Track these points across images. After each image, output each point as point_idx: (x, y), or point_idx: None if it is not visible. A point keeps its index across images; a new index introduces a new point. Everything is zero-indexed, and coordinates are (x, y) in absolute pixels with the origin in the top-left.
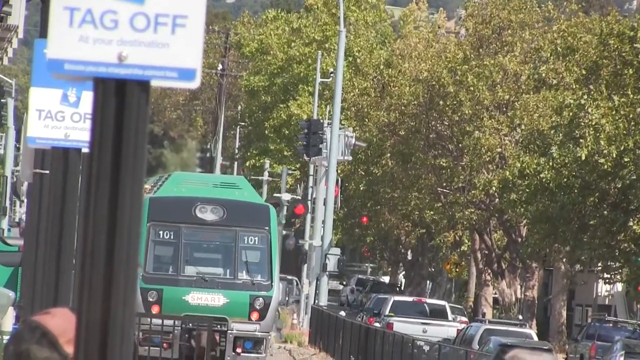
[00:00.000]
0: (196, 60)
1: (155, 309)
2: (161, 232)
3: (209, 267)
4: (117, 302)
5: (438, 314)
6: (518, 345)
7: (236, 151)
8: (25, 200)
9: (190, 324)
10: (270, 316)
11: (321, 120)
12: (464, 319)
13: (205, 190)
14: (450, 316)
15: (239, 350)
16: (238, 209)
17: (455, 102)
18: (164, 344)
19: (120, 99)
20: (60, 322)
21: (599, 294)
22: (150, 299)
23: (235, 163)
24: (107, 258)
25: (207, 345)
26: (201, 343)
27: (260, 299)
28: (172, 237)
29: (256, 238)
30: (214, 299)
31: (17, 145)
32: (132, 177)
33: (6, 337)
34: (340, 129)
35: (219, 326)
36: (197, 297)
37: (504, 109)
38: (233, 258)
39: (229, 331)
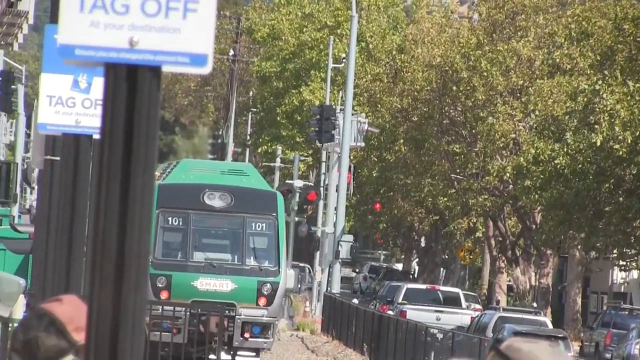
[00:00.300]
0: (208, 45)
1: (164, 295)
2: (170, 219)
3: (217, 253)
4: (128, 290)
5: (452, 301)
6: (530, 333)
7: (248, 137)
8: (36, 187)
9: (199, 310)
10: (278, 302)
11: (333, 107)
12: (478, 306)
13: (214, 177)
14: (464, 304)
15: (246, 335)
16: (246, 195)
17: (468, 88)
18: (174, 329)
19: (131, 85)
20: (69, 309)
21: (615, 282)
22: (160, 285)
23: (247, 149)
24: (119, 245)
25: (219, 330)
26: (210, 328)
27: (268, 284)
28: (180, 224)
29: (263, 224)
30: (222, 285)
31: (28, 132)
32: (144, 163)
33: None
34: (352, 115)
35: (227, 311)
36: (206, 283)
37: (518, 95)
38: (241, 244)
39: (237, 316)
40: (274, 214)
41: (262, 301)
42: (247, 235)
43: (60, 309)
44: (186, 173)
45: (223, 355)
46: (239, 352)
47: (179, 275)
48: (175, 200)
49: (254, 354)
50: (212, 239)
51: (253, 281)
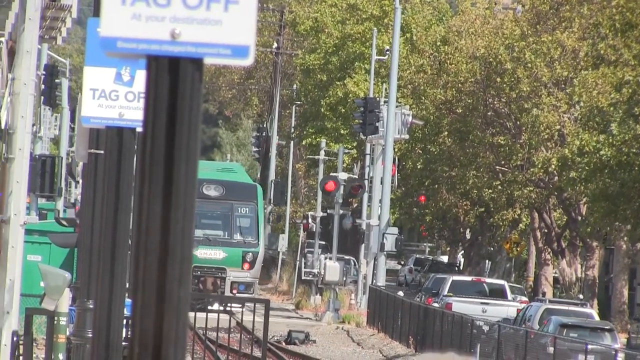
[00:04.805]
0: (249, 37)
1: None
2: None
3: (212, 230)
4: (172, 281)
5: (497, 293)
6: (577, 325)
7: (292, 130)
8: (81, 181)
9: (199, 272)
10: (258, 266)
11: (377, 99)
12: (524, 298)
13: (210, 174)
14: (509, 296)
15: (234, 291)
16: (234, 187)
17: (512, 79)
18: None
19: (173, 77)
20: None
21: None
22: None
23: (291, 142)
24: (162, 237)
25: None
26: (207, 286)
27: (250, 253)
28: None
29: (247, 209)
30: (216, 254)
31: (72, 126)
32: (186, 155)
33: (63, 319)
34: (396, 107)
35: (219, 274)
36: (204, 253)
37: (563, 86)
38: (230, 223)
39: (227, 277)
40: (255, 201)
41: (246, 266)
42: (235, 217)
43: None
44: None
45: (216, 306)
46: (228, 304)
47: None
48: None
49: (240, 305)
50: (209, 220)
51: (239, 251)
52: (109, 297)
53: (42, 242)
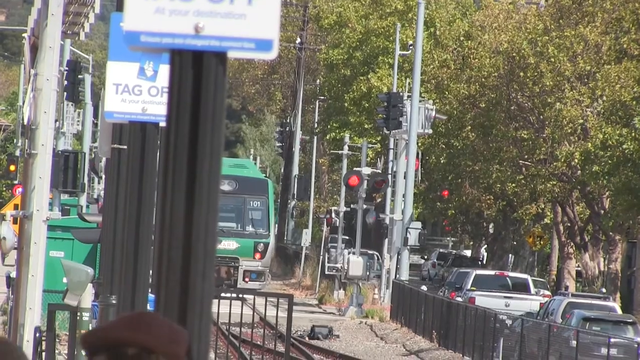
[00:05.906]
0: (273, 30)
1: None
2: None
3: (226, 222)
4: (195, 276)
5: (520, 287)
6: (599, 318)
7: (315, 125)
8: (104, 177)
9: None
10: (268, 256)
11: (401, 94)
12: (547, 292)
13: (223, 169)
14: (532, 290)
15: (247, 280)
16: (246, 182)
17: (536, 74)
18: None
19: (197, 71)
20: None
21: None
22: None
23: (315, 137)
24: (186, 232)
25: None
26: (220, 275)
27: (261, 244)
28: None
29: (258, 202)
30: (229, 244)
31: (95, 122)
32: (210, 150)
33: (85, 314)
34: (420, 101)
35: (233, 263)
36: (218, 244)
37: (585, 80)
38: (242, 216)
39: (240, 267)
40: (266, 195)
41: (258, 256)
42: (247, 210)
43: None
44: None
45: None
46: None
47: None
48: None
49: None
50: (223, 213)
51: (251, 242)
52: (132, 293)
53: (64, 237)
